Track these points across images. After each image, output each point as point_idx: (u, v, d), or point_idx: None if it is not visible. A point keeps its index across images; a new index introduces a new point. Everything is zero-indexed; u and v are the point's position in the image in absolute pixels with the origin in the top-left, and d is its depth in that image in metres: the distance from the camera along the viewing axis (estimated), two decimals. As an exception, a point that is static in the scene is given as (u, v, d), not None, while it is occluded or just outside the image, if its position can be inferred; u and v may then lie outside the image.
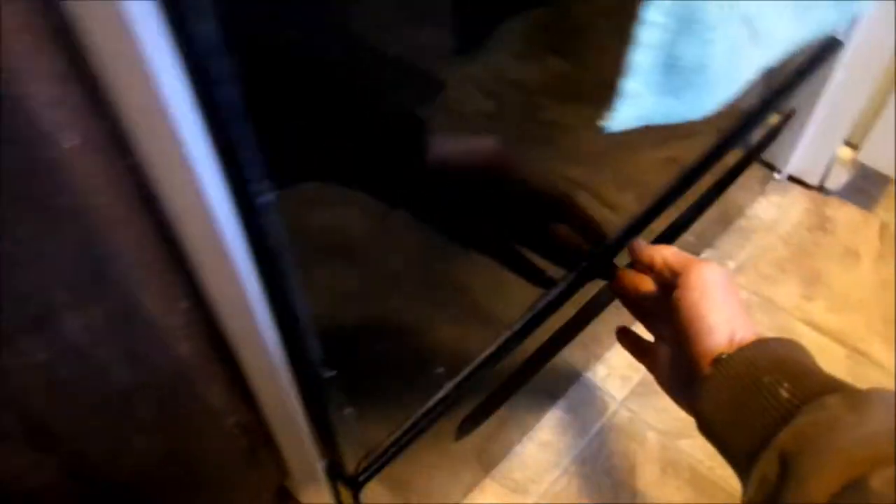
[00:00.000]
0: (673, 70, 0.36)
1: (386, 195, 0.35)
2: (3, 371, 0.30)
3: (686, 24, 0.33)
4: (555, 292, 0.59)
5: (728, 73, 0.38)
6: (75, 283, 0.31)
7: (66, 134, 0.26)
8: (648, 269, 0.51)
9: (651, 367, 0.51)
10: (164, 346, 0.36)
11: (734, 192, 0.87)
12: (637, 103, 0.37)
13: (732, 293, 0.44)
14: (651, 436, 0.78)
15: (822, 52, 0.82)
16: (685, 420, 0.44)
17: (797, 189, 1.04)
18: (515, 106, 0.40)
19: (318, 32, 0.27)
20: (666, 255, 0.49)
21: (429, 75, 0.33)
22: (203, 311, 0.37)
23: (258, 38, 0.24)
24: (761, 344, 0.41)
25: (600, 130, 0.39)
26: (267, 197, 0.28)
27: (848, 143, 0.98)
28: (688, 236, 0.79)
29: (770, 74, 0.63)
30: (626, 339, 0.57)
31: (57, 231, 0.29)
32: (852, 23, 0.49)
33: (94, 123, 0.27)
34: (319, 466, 0.47)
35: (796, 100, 0.87)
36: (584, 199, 0.56)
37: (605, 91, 0.40)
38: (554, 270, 0.58)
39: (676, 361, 0.47)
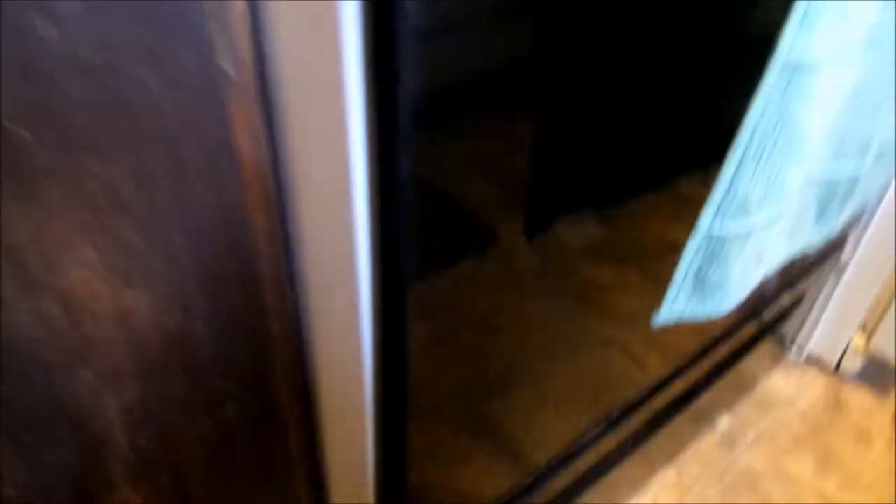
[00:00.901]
0: (701, 285, 0.50)
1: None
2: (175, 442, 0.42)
3: (714, 256, 0.48)
4: (582, 440, 0.67)
5: (740, 286, 0.52)
6: (238, 375, 0.43)
7: (274, 275, 0.40)
8: None
9: None
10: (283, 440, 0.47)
11: (749, 363, 0.97)
12: (675, 305, 0.51)
13: None
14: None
15: (827, 249, 0.95)
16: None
17: (814, 370, 1.12)
18: (560, 264, 0.51)
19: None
20: None
21: (485, 228, 0.43)
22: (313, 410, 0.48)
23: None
24: None
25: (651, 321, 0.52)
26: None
27: (863, 331, 1.07)
28: (702, 402, 0.87)
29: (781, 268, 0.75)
30: None
31: (242, 344, 0.42)
32: (828, 240, 0.63)
33: (287, 267, 0.41)
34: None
35: (806, 287, 0.98)
36: (615, 355, 0.66)
37: (644, 258, 0.51)
38: (583, 418, 0.67)
39: None
